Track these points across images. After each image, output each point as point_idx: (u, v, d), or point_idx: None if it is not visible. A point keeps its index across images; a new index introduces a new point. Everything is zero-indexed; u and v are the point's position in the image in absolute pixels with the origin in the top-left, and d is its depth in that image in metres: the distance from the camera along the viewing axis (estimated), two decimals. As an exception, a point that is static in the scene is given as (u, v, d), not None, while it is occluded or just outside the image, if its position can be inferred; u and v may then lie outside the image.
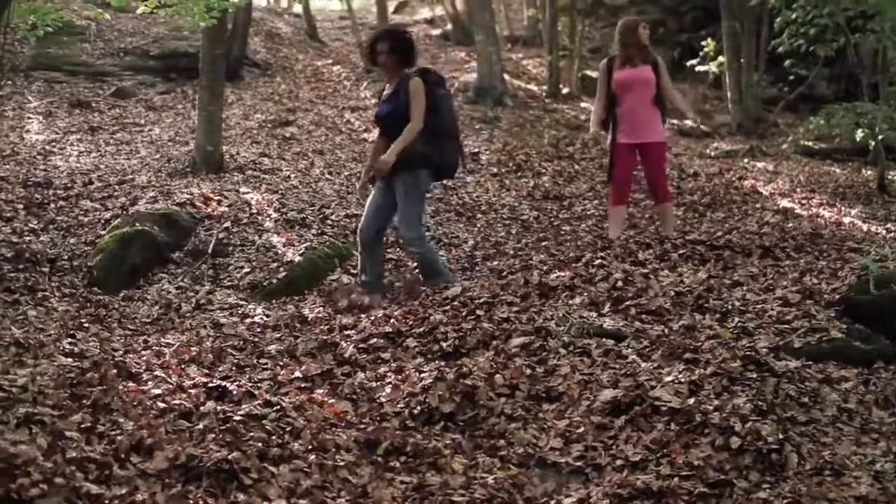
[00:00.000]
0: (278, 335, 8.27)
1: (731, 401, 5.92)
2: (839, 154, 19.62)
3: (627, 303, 8.11)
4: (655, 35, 28.06)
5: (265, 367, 7.27)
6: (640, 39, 10.61)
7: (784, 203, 14.31)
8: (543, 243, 11.14)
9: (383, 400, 6.52)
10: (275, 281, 9.75)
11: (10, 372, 6.37)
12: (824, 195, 15.09)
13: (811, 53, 19.00)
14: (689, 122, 20.69)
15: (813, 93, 23.44)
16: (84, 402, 5.84)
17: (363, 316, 8.42)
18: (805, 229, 11.45)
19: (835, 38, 18.24)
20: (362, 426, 6.06)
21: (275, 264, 10.19)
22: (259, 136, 17.91)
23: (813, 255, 10.05)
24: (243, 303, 9.32)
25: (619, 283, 8.59)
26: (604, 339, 7.22)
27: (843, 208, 13.92)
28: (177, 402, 6.14)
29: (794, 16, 17.65)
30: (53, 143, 16.45)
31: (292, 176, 14.15)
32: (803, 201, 14.55)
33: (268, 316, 8.86)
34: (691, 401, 5.96)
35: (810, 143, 19.88)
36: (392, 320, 8.06)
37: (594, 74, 25.69)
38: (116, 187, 13.30)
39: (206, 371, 7.03)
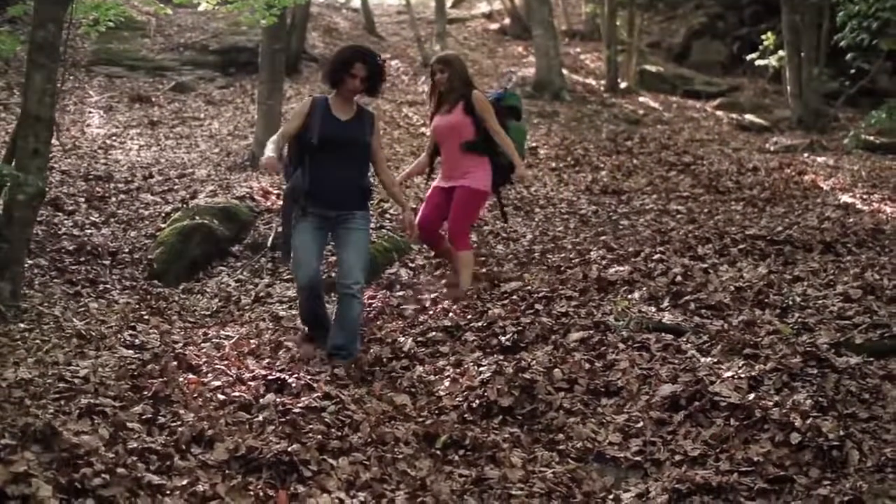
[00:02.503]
0: (337, 328, 8.29)
1: (791, 397, 5.88)
2: (902, 149, 19.38)
3: (687, 298, 8.07)
4: (714, 29, 28.16)
5: (324, 359, 7.30)
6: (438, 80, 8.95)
7: (845, 198, 14.18)
8: (602, 238, 11.09)
9: (442, 393, 6.54)
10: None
11: (72, 363, 6.47)
12: (886, 190, 14.92)
13: (873, 47, 18.78)
14: (748, 117, 20.57)
15: (875, 87, 23.17)
16: (145, 393, 5.92)
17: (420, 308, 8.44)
18: (866, 225, 11.33)
19: (898, 31, 18.05)
20: (421, 419, 6.09)
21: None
22: (317, 131, 17.93)
23: (874, 251, 9.97)
24: (302, 296, 9.35)
25: (679, 278, 8.56)
26: (663, 334, 7.20)
27: (905, 204, 13.77)
28: (236, 394, 6.20)
29: (856, 9, 17.48)
30: (114, 137, 16.61)
31: (350, 170, 14.17)
32: (864, 196, 14.40)
33: (327, 309, 8.88)
34: (751, 396, 5.93)
35: (872, 138, 19.64)
36: (451, 314, 8.07)
37: (653, 69, 25.77)
38: (176, 181, 13.40)
39: (266, 363, 7.07)
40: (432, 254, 9.83)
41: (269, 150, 7.36)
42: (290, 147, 7.65)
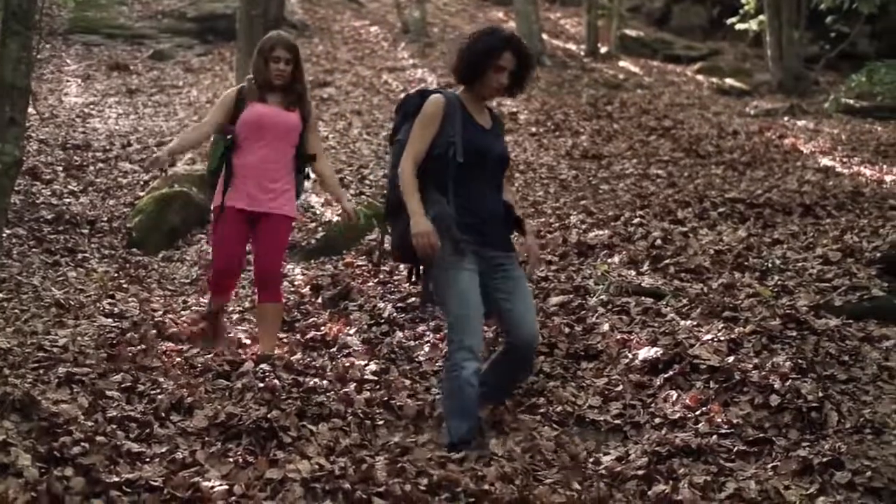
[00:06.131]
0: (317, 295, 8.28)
1: (770, 359, 5.89)
2: (881, 112, 19.32)
3: (666, 261, 8.08)
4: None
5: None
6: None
7: (825, 161, 14.19)
8: (582, 202, 11.10)
9: (422, 359, 6.54)
10: (313, 241, 9.76)
11: (51, 332, 6.44)
12: (866, 153, 14.93)
13: (853, 10, 18.77)
14: (728, 81, 20.54)
15: (855, 50, 23.14)
16: (124, 362, 5.89)
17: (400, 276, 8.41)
18: (846, 187, 11.35)
19: (878, -6, 18.03)
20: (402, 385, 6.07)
21: (313, 224, 10.20)
22: (296, 98, 17.88)
23: (854, 214, 9.98)
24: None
25: (658, 242, 8.57)
26: (643, 298, 7.21)
27: (884, 166, 13.77)
28: (216, 361, 6.18)
29: (836, -29, 17.48)
30: (92, 106, 16.52)
31: (330, 136, 14.15)
32: (844, 159, 14.41)
33: (306, 275, 8.87)
34: (731, 359, 5.94)
35: (851, 101, 19.64)
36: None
37: (633, 33, 25.67)
38: (155, 149, 13.33)
39: (245, 331, 7.06)
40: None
41: (425, 224, 5.16)
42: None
